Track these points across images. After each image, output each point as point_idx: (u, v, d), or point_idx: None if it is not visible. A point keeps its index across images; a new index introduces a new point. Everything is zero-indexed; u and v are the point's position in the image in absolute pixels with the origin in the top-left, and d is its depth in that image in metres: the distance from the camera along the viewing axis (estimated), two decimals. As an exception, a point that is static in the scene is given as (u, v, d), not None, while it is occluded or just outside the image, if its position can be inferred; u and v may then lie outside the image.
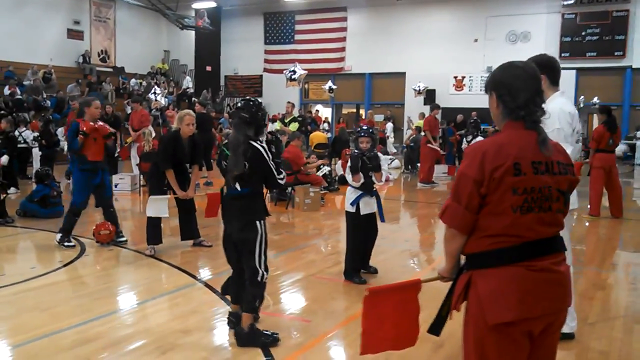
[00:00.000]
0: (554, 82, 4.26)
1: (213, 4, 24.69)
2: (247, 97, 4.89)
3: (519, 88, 2.44)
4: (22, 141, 13.66)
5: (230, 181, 4.38)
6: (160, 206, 6.87)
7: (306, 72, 15.62)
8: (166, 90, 23.28)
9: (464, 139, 16.98)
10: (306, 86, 26.42)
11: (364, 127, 6.30)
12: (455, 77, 23.25)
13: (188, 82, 25.29)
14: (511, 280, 2.33)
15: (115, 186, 11.33)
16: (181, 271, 6.19)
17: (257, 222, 4.28)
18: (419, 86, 19.72)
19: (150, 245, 6.86)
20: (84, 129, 6.82)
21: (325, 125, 23.37)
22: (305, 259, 6.94)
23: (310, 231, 8.88)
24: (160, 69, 26.09)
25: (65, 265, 6.40)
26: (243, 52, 26.52)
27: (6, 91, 18.17)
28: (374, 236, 6.13)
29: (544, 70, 3.69)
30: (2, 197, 8.53)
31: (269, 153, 4.29)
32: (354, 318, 4.65)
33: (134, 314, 4.99)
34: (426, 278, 2.86)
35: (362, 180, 5.83)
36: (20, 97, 18.02)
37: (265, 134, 4.55)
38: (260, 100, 4.62)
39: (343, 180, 13.36)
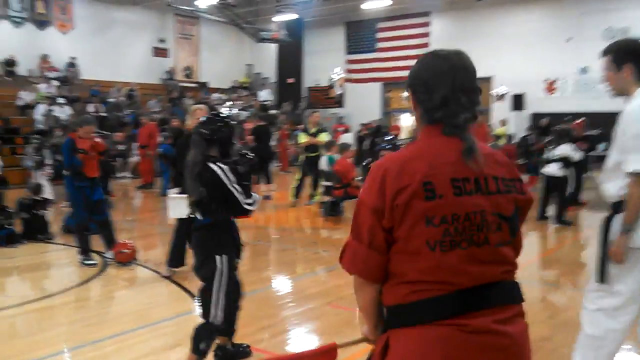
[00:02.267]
0: None
1: (294, 16, 24.58)
2: (214, 112, 4.38)
3: (437, 82, 1.78)
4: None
5: (191, 209, 3.89)
6: (181, 206, 6.45)
7: (343, 75, 14.96)
8: (239, 103, 23.39)
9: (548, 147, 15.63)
10: (389, 94, 25.73)
11: (389, 138, 5.46)
12: (546, 80, 21.67)
13: (266, 95, 25.28)
14: (434, 345, 1.67)
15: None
16: (190, 295, 5.78)
17: (218, 257, 3.72)
18: (498, 91, 18.46)
19: (167, 267, 6.51)
20: (83, 147, 6.61)
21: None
22: (330, 283, 6.32)
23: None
24: (242, 83, 26.30)
25: (78, 285, 6.20)
26: (325, 63, 26.20)
27: (90, 108, 18.82)
28: None
29: (629, 57, 3.05)
30: (42, 213, 8.54)
31: (230, 175, 3.68)
32: None
33: (115, 344, 4.60)
34: (345, 341, 2.20)
35: None
36: (103, 114, 18.63)
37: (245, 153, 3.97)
38: (228, 115, 4.10)
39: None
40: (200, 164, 3.69)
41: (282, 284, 6.63)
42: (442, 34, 23.93)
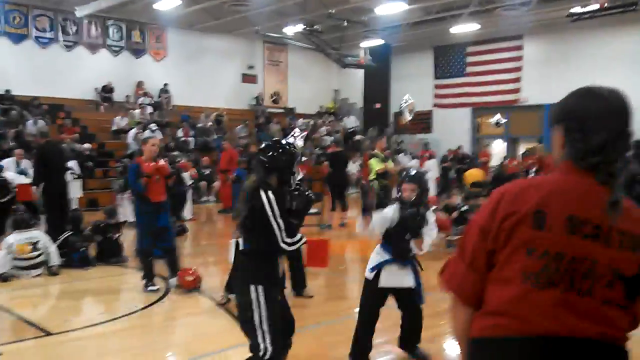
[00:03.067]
0: None
1: (381, 42, 24.46)
2: (275, 139, 4.25)
3: (596, 125, 1.66)
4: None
5: (237, 232, 3.77)
6: None
7: (412, 101, 14.58)
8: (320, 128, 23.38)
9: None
10: (478, 120, 24.97)
11: (412, 171, 4.69)
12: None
13: (352, 122, 25.14)
14: None
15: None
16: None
17: (252, 287, 3.53)
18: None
19: (225, 293, 6.40)
20: (147, 171, 6.63)
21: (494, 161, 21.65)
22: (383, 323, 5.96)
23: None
24: (328, 108, 26.38)
25: (137, 312, 6.19)
26: (412, 88, 25.72)
27: (179, 133, 19.43)
28: (414, 315, 4.69)
29: None
30: (115, 237, 8.72)
31: (275, 207, 3.50)
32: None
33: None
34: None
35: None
36: (190, 138, 19.18)
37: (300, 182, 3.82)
38: (289, 143, 3.94)
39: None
40: (253, 189, 3.57)
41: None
42: (536, 57, 23.02)
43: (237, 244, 4.10)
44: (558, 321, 1.48)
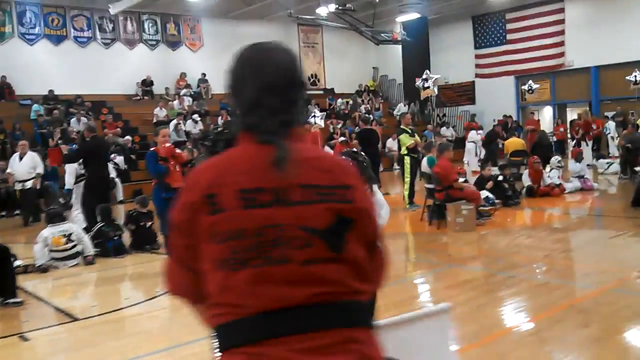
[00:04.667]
0: None
1: (417, 15, 24.03)
2: (217, 125, 4.33)
3: (247, 83, 1.54)
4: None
5: None
6: None
7: (439, 76, 14.27)
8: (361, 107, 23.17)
9: None
10: (524, 87, 24.26)
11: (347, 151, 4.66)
12: None
13: (400, 109, 24.32)
14: None
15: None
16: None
17: None
18: (635, 76, 16.61)
19: None
20: (162, 154, 6.78)
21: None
22: (397, 297, 5.89)
23: (447, 257, 7.73)
24: (367, 86, 26.16)
25: (157, 297, 6.32)
26: (453, 59, 25.32)
27: (220, 121, 19.64)
28: None
29: None
30: (148, 225, 8.92)
31: None
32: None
33: (167, 357, 4.58)
34: None
35: None
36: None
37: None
38: (225, 127, 3.98)
39: (530, 192, 11.70)
40: None
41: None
42: (578, 20, 22.19)
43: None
44: (257, 297, 1.39)
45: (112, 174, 12.23)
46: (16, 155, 11.87)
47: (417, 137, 10.97)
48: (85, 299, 6.79)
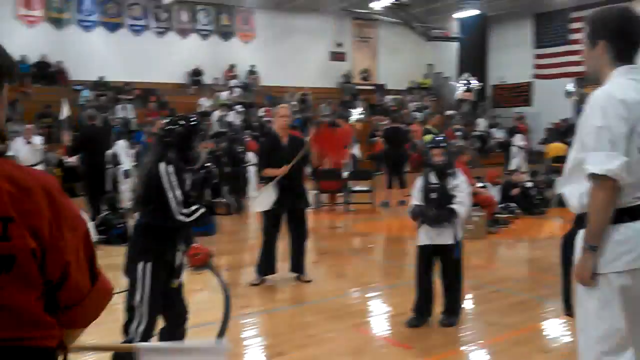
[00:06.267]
0: (620, 54, 2.56)
1: (476, 12, 23.32)
2: (178, 115, 4.23)
3: None
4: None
5: (133, 207, 3.76)
6: (262, 200, 6.27)
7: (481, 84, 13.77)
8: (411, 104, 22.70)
9: None
10: (584, 91, 23.11)
11: (438, 138, 5.23)
12: None
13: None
14: None
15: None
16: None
17: (140, 264, 3.48)
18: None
19: (259, 276, 6.39)
20: None
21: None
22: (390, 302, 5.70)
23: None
24: (420, 83, 25.62)
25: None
26: (510, 58, 24.41)
27: (260, 113, 19.72)
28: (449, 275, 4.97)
29: (603, 34, 2.56)
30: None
31: (173, 178, 3.45)
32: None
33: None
34: None
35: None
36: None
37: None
38: (190, 117, 3.85)
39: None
40: (152, 162, 3.56)
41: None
42: (645, 20, 20.95)
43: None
44: None
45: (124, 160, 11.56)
46: (20, 139, 11.49)
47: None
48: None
